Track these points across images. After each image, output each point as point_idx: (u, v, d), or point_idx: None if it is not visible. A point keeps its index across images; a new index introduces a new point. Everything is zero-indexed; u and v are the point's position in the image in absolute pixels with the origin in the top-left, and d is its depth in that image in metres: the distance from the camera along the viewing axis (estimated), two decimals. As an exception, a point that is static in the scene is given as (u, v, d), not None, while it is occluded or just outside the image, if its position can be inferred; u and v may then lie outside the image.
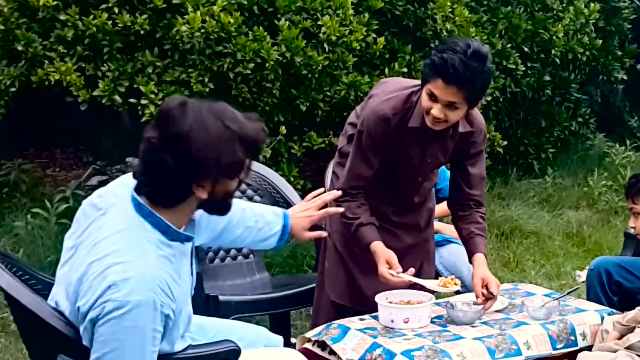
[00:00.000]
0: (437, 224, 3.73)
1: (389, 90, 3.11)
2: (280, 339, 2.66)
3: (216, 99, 2.21)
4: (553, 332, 2.86)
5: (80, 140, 6.66)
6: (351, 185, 3.11)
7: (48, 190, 5.68)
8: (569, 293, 3.26)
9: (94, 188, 2.34)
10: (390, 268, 2.95)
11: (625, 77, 7.22)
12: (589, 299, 3.50)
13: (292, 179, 4.80)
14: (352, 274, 3.24)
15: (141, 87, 4.51)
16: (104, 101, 4.57)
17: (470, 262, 3.14)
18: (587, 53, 6.69)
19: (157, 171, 2.10)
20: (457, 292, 3.14)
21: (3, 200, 5.45)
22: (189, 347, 2.33)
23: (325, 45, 4.74)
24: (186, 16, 4.44)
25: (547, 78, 6.58)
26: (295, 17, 4.73)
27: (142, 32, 4.52)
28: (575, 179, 6.88)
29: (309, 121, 5.13)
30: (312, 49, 4.72)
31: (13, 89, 4.66)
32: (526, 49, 6.31)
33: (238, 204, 2.32)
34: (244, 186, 3.83)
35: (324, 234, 2.74)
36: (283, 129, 4.84)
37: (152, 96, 4.47)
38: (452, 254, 3.83)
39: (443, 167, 3.44)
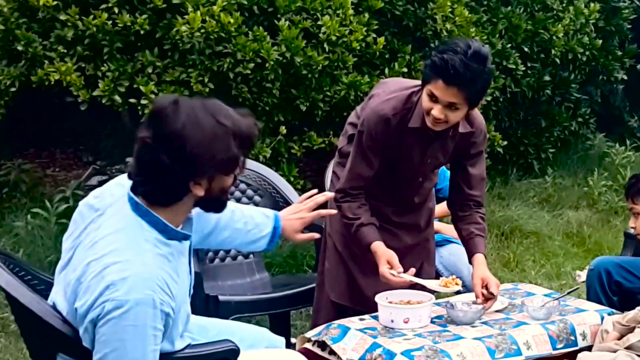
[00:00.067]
0: (437, 224, 3.73)
1: (390, 90, 3.11)
2: (282, 340, 2.65)
3: (216, 99, 2.21)
4: (553, 332, 2.86)
5: (80, 140, 6.66)
6: (352, 185, 3.11)
7: (48, 190, 5.68)
8: (569, 293, 3.26)
9: (94, 188, 2.34)
10: (391, 268, 2.95)
11: (625, 77, 7.22)
12: (589, 299, 3.50)
13: (292, 179, 4.81)
14: (352, 274, 3.24)
15: (141, 87, 4.51)
16: (104, 101, 4.57)
17: (470, 262, 3.15)
18: (587, 53, 6.69)
19: (153, 171, 2.10)
20: (458, 292, 3.14)
21: (3, 200, 5.45)
22: (188, 346, 2.33)
23: (325, 45, 4.74)
24: (186, 16, 4.44)
25: (547, 78, 6.58)
26: (295, 17, 4.73)
27: (142, 32, 4.52)
28: (575, 179, 6.88)
29: (309, 121, 5.13)
30: (312, 49, 4.72)
31: (13, 89, 4.66)
32: (526, 49, 6.31)
33: (228, 206, 2.32)
34: (244, 186, 3.84)
35: (316, 235, 2.74)
36: (283, 129, 4.84)
37: (152, 96, 4.47)
38: (452, 254, 3.83)
39: (443, 167, 3.44)
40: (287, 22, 4.68)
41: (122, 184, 2.23)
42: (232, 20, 4.49)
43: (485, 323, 2.91)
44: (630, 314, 2.85)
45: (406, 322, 2.83)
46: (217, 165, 2.11)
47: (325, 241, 3.32)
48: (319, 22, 4.75)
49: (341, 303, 3.26)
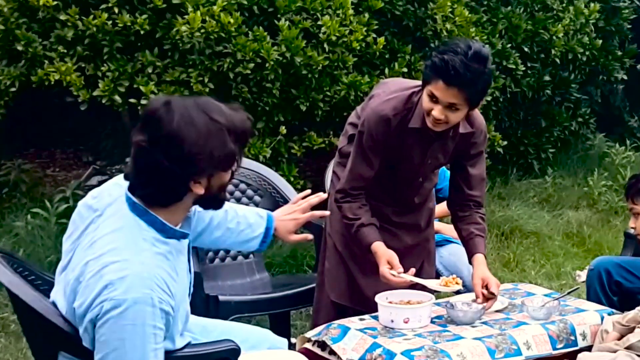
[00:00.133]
0: (437, 224, 3.73)
1: (390, 90, 3.11)
2: (284, 341, 2.65)
3: (216, 99, 2.22)
4: (553, 332, 2.86)
5: (80, 140, 6.67)
6: (352, 185, 3.12)
7: (48, 190, 5.68)
8: (569, 293, 3.26)
9: (94, 188, 2.34)
10: (391, 268, 2.96)
11: (625, 77, 7.22)
12: (589, 299, 3.50)
13: (292, 179, 4.80)
14: (352, 274, 3.24)
15: (141, 87, 4.51)
16: (104, 101, 4.57)
17: (470, 262, 3.15)
18: (587, 53, 6.69)
19: (153, 174, 2.10)
20: (458, 292, 3.14)
21: (3, 200, 5.45)
22: (189, 345, 2.33)
23: (325, 45, 4.74)
24: (186, 16, 4.44)
25: (547, 78, 6.59)
26: (295, 17, 4.73)
27: (142, 32, 4.52)
28: (575, 179, 6.88)
29: (309, 121, 5.13)
30: (312, 49, 4.72)
31: (13, 89, 4.66)
32: (526, 49, 6.31)
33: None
34: (243, 186, 3.84)
35: (309, 236, 2.74)
36: (283, 129, 4.84)
37: (152, 96, 4.47)
38: (452, 254, 3.83)
39: (443, 167, 3.44)
40: (287, 22, 4.68)
41: (120, 184, 2.23)
42: (232, 20, 4.49)
43: (485, 323, 2.91)
44: (630, 314, 2.85)
45: (406, 322, 2.83)
46: (215, 163, 2.12)
47: (326, 241, 3.32)
48: (319, 22, 4.75)
49: (341, 303, 3.26)
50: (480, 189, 3.21)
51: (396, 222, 3.24)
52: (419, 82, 3.01)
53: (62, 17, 4.53)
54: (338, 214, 3.17)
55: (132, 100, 4.58)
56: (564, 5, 6.55)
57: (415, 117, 2.99)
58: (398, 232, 3.24)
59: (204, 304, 3.30)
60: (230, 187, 3.66)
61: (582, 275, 3.68)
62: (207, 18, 4.45)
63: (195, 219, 2.43)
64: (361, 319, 2.94)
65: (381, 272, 2.96)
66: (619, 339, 2.81)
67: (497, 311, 3.02)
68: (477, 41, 3.08)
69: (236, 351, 2.33)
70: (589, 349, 2.88)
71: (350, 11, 4.83)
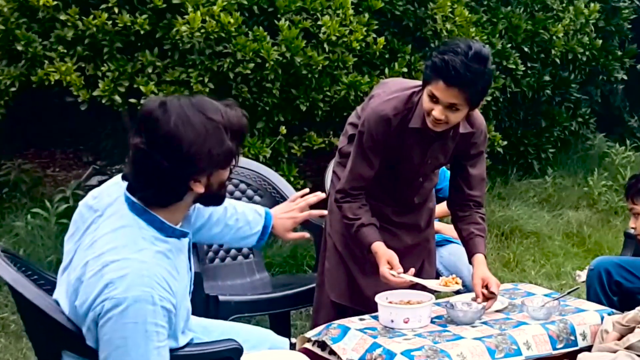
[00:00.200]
0: (437, 224, 3.73)
1: (390, 90, 3.11)
2: (285, 341, 2.66)
3: (216, 98, 2.22)
4: (553, 332, 2.86)
5: (80, 140, 6.67)
6: (352, 185, 3.11)
7: (48, 190, 5.68)
8: (569, 293, 3.26)
9: (94, 188, 2.34)
10: (391, 268, 2.96)
11: (625, 77, 7.22)
12: (589, 299, 3.50)
13: (292, 179, 4.80)
14: (352, 274, 3.24)
15: (141, 87, 4.51)
16: (104, 101, 4.57)
17: (470, 262, 3.15)
18: (587, 53, 6.69)
19: (153, 175, 2.10)
20: (458, 292, 3.14)
21: (3, 200, 5.44)
22: (191, 344, 2.34)
23: (325, 45, 4.74)
24: (186, 16, 4.44)
25: (547, 78, 6.59)
26: (295, 17, 4.73)
27: (142, 32, 4.52)
28: (575, 179, 6.88)
29: (309, 121, 5.13)
30: (312, 49, 4.72)
31: (13, 89, 4.66)
32: (526, 49, 6.31)
33: None
34: (243, 186, 3.84)
35: (306, 235, 2.75)
36: (283, 129, 4.84)
37: (152, 96, 4.47)
38: (452, 254, 3.83)
39: (443, 167, 3.44)
40: (287, 22, 4.68)
41: (119, 183, 2.24)
42: (232, 20, 4.49)
43: (485, 323, 2.91)
44: (630, 314, 2.85)
45: (406, 322, 2.83)
46: (214, 161, 2.13)
47: (326, 241, 3.32)
48: (319, 22, 4.75)
49: (341, 303, 3.26)
50: (480, 189, 3.21)
51: (396, 222, 3.24)
52: (419, 82, 3.01)
53: (62, 17, 4.53)
54: (338, 214, 3.17)
55: (132, 100, 4.58)
56: (564, 5, 6.55)
57: (415, 117, 2.99)
58: (398, 232, 3.24)
59: (204, 304, 3.30)
60: (230, 187, 3.67)
61: (582, 275, 3.68)
62: (207, 18, 4.45)
63: (195, 215, 2.44)
64: (361, 319, 2.94)
65: (381, 272, 2.96)
66: (619, 339, 2.81)
67: (497, 311, 3.02)
68: (478, 41, 3.08)
69: (239, 350, 2.33)
70: (589, 349, 2.88)
71: (350, 11, 4.82)
